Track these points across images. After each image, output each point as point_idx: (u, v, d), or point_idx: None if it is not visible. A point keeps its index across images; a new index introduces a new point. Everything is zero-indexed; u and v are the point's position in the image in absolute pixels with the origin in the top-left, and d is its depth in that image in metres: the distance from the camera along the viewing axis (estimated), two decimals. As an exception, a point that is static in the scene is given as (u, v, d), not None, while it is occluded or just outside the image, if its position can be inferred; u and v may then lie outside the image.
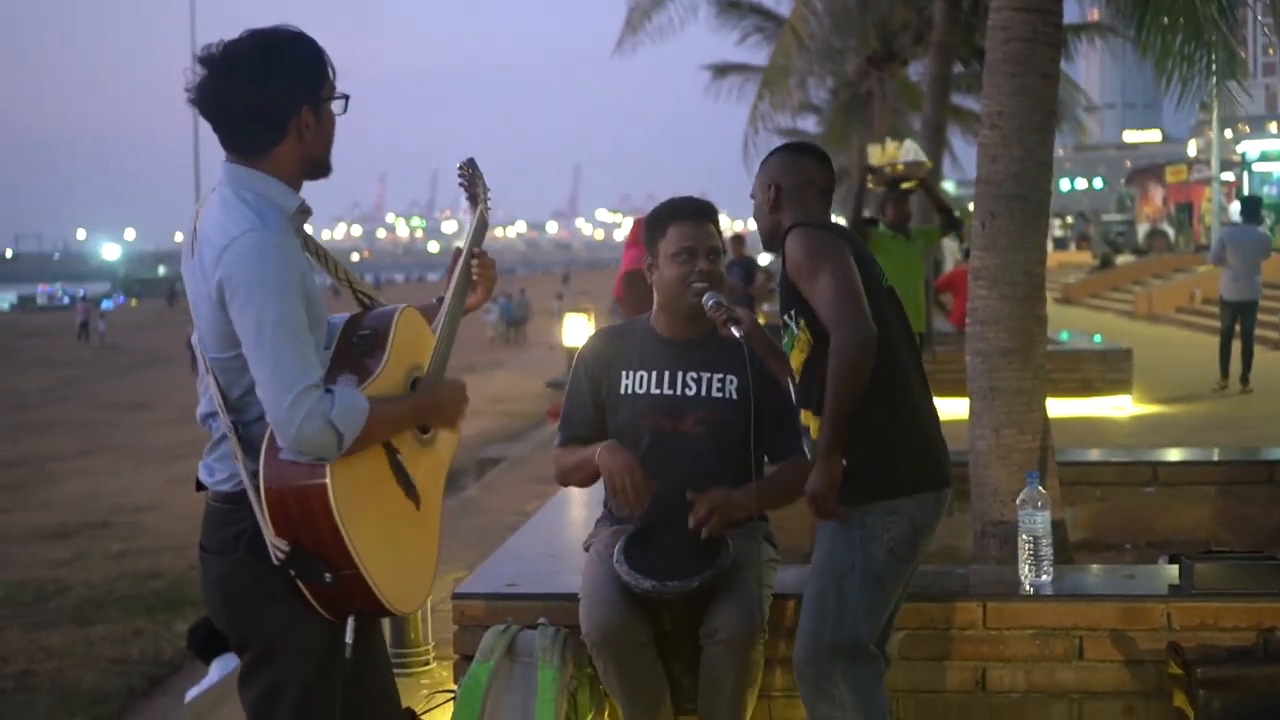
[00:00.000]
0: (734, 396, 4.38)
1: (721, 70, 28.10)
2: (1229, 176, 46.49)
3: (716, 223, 4.47)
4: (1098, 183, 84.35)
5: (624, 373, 4.48)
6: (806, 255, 3.81)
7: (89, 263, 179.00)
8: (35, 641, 10.70)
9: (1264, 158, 47.74)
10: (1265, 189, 44.86)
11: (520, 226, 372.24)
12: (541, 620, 4.41)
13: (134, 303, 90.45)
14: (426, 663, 5.87)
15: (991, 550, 5.56)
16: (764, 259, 25.51)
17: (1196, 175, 53.89)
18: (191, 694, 7.06)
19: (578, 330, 12.05)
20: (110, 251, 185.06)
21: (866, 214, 10.64)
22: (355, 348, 3.25)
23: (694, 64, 28.68)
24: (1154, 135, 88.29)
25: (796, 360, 3.93)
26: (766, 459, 4.42)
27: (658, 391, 4.42)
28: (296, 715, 3.14)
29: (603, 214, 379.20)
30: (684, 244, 4.36)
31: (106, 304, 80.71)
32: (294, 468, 3.01)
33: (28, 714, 8.83)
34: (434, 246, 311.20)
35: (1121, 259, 45.12)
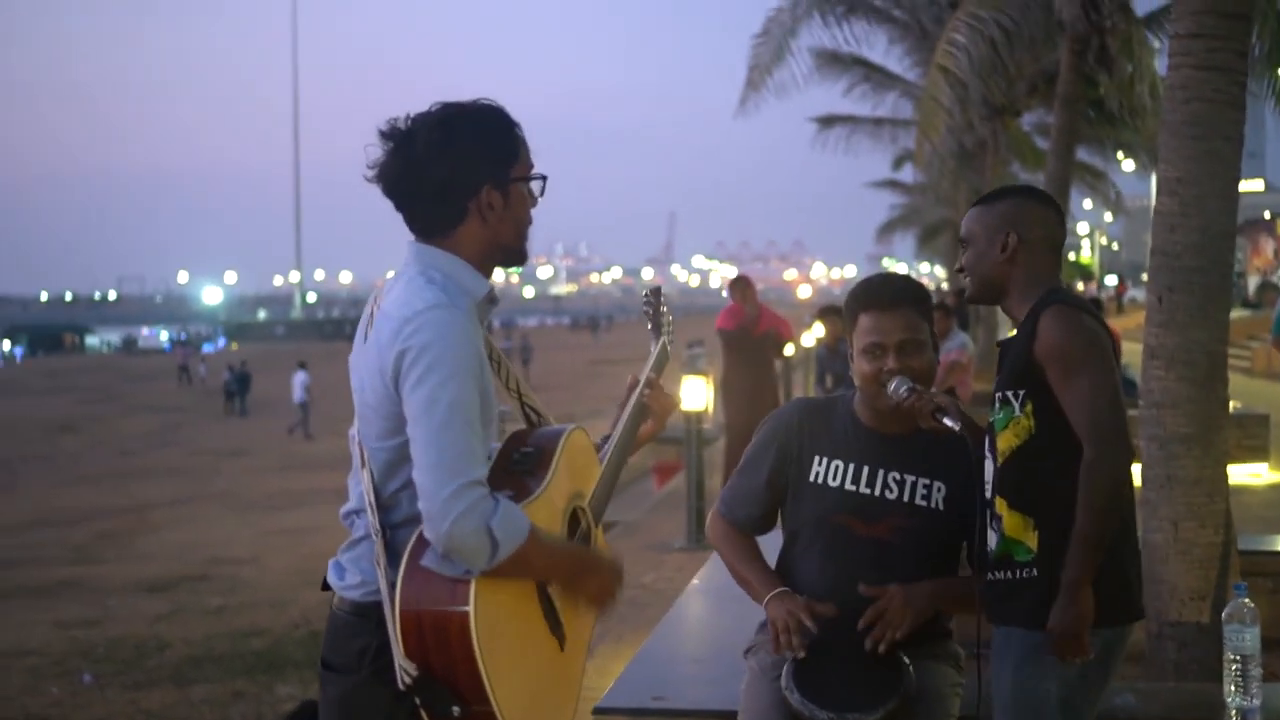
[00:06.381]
0: (940, 507, 3.85)
1: (828, 121, 28.32)
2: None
3: (920, 304, 3.88)
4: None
5: (817, 457, 3.94)
6: (1074, 346, 3.38)
7: (191, 306, 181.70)
8: (134, 702, 10.51)
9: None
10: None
11: (615, 272, 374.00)
12: (694, 743, 4.00)
13: (234, 346, 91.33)
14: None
15: (1169, 654, 5.11)
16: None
17: (1308, 227, 52.66)
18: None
19: (696, 393, 11.36)
20: (211, 295, 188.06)
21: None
22: (516, 465, 2.93)
23: (791, 112, 28.46)
24: (1258, 185, 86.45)
25: (1005, 443, 3.48)
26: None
27: (853, 488, 3.88)
28: None
29: (698, 260, 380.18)
30: (870, 338, 3.83)
31: (207, 347, 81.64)
32: (436, 587, 2.68)
33: (128, 781, 8.58)
34: (529, 291, 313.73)
35: (1234, 314, 44.07)
